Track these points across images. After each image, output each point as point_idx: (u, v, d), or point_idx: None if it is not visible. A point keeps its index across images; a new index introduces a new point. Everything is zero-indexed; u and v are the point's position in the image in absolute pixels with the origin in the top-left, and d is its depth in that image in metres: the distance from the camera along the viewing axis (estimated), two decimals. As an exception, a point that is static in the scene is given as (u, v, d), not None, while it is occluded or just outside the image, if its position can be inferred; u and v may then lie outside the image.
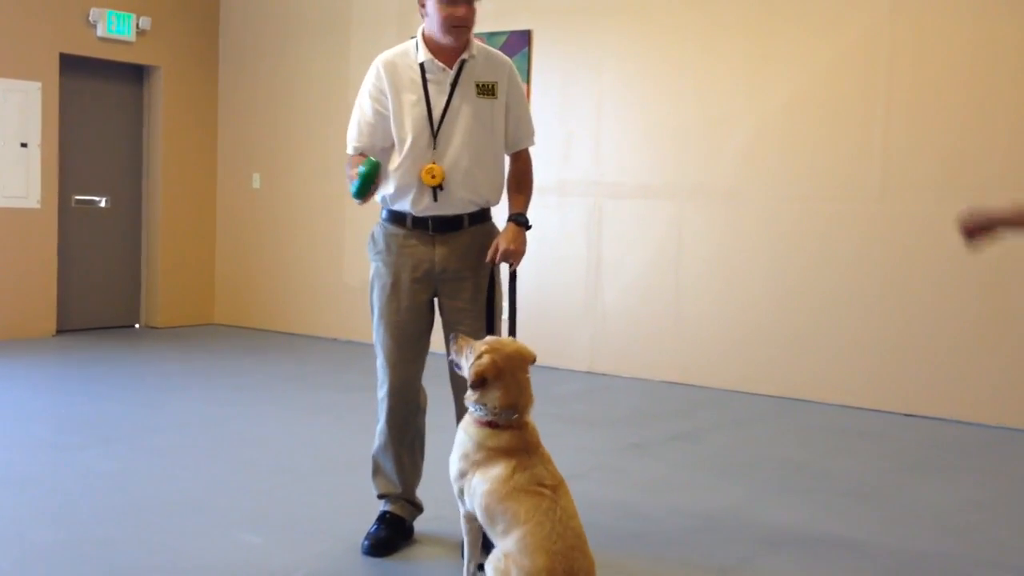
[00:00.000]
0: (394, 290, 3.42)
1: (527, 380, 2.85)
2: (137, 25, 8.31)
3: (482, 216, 3.47)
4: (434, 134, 3.32)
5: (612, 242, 7.02)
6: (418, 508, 3.62)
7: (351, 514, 3.82)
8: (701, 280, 6.71)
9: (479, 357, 2.82)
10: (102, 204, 8.47)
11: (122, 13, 8.18)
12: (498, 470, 2.73)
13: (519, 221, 3.38)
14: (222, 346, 7.94)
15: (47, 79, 7.85)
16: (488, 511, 2.73)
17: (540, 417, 3.12)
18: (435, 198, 3.33)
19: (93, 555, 3.35)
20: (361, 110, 3.40)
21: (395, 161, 3.36)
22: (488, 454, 2.78)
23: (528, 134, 3.53)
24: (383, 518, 3.53)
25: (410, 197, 3.36)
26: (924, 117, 5.94)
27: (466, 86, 3.35)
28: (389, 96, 3.34)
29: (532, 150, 3.59)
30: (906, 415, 5.95)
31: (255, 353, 7.63)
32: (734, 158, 6.55)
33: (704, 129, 6.65)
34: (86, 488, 4.09)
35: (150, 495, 4.04)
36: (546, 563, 2.52)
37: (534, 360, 2.89)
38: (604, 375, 6.99)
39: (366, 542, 3.45)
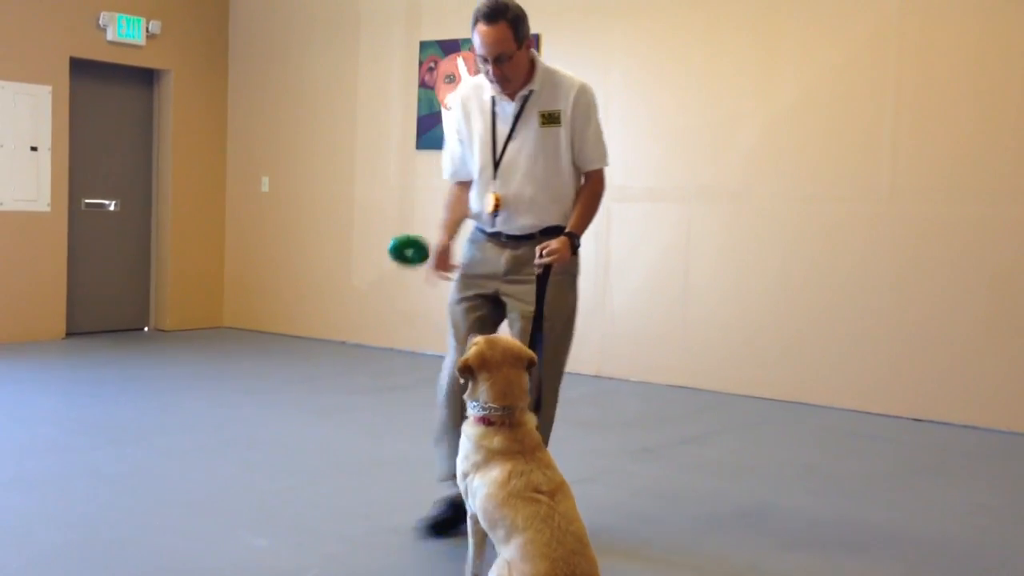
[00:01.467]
0: (460, 281, 3.65)
1: (519, 376, 2.86)
2: (147, 29, 8.33)
3: (555, 231, 3.52)
4: (495, 166, 3.51)
5: (620, 245, 7.01)
6: None
7: (359, 516, 3.82)
8: (709, 283, 6.70)
9: (469, 349, 2.90)
10: (112, 207, 8.50)
11: (132, 17, 8.21)
12: (495, 473, 2.74)
13: (569, 236, 3.46)
14: (231, 349, 7.95)
15: (57, 83, 7.88)
16: (487, 515, 2.73)
17: (548, 420, 3.11)
18: (495, 224, 3.55)
19: (102, 556, 3.36)
20: (448, 142, 3.70)
21: (474, 187, 3.63)
22: (486, 455, 2.79)
23: (596, 156, 3.58)
24: (447, 501, 3.61)
25: (482, 218, 3.61)
26: (933, 118, 5.92)
27: (529, 118, 3.48)
28: (464, 128, 3.62)
29: None
30: (915, 419, 5.93)
31: (264, 356, 7.65)
32: (742, 160, 6.54)
33: (712, 131, 6.64)
34: (95, 490, 4.10)
35: (158, 497, 4.04)
36: (547, 569, 2.52)
37: (530, 361, 2.91)
38: (612, 379, 6.99)
39: (427, 523, 3.57)
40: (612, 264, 7.05)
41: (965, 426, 5.77)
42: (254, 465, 4.56)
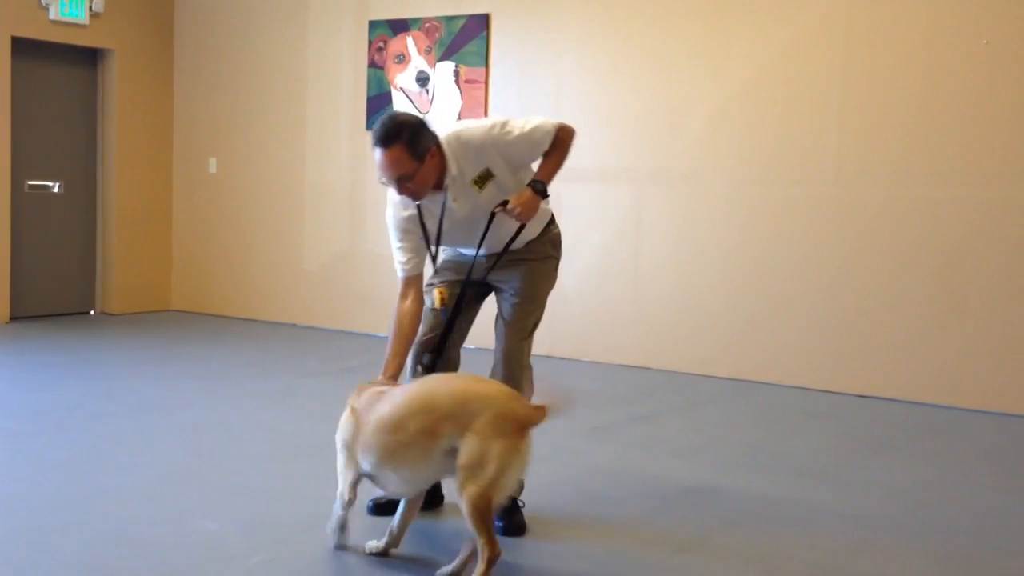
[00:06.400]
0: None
1: None
2: (90, 7, 8.18)
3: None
4: (433, 257, 3.58)
5: (571, 226, 7.01)
6: None
7: (308, 500, 3.81)
8: (660, 264, 6.75)
9: None
10: (56, 189, 8.36)
11: (75, -5, 8.07)
12: None
13: (535, 188, 3.46)
14: (179, 332, 7.87)
15: (-2, 62, 7.73)
16: None
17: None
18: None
19: (47, 543, 3.32)
20: (403, 240, 3.58)
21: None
22: None
23: (540, 140, 3.48)
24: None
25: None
26: (879, 101, 6.00)
27: (462, 195, 3.46)
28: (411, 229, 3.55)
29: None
30: (860, 396, 6.03)
31: (213, 339, 7.58)
32: (692, 142, 6.59)
33: (663, 113, 6.68)
34: (40, 476, 4.05)
35: (105, 482, 4.00)
36: None
37: None
38: (563, 359, 7.02)
39: (371, 502, 3.72)
40: (564, 244, 7.05)
41: (909, 402, 5.88)
42: (203, 449, 4.53)
